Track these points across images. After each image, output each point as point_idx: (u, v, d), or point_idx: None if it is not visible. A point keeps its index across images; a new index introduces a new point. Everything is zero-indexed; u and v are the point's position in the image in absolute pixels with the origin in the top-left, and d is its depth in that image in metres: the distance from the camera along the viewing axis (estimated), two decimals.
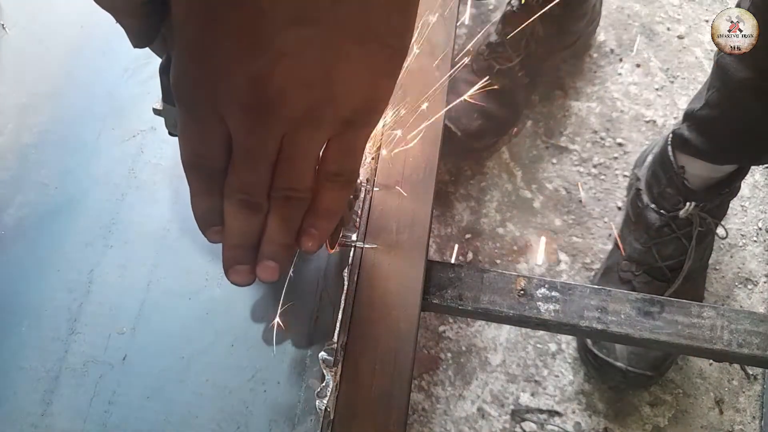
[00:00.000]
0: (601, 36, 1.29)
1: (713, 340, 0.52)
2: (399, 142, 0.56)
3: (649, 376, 0.95)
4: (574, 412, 1.00)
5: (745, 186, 1.15)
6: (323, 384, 0.47)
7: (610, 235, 1.11)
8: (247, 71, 0.30)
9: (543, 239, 1.10)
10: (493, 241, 1.11)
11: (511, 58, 1.10)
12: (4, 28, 0.65)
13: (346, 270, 0.51)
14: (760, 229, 1.13)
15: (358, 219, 0.53)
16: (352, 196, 0.51)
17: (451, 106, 0.60)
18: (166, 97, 0.42)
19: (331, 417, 0.46)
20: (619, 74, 1.26)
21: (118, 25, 0.36)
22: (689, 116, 0.91)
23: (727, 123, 0.85)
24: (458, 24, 0.64)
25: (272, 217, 0.37)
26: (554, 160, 1.18)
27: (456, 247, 1.09)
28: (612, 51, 1.28)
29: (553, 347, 1.04)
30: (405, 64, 0.33)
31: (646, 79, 1.26)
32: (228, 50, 0.30)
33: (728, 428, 1.00)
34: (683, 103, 1.21)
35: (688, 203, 0.94)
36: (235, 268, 0.38)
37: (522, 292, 0.53)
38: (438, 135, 0.58)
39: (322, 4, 0.29)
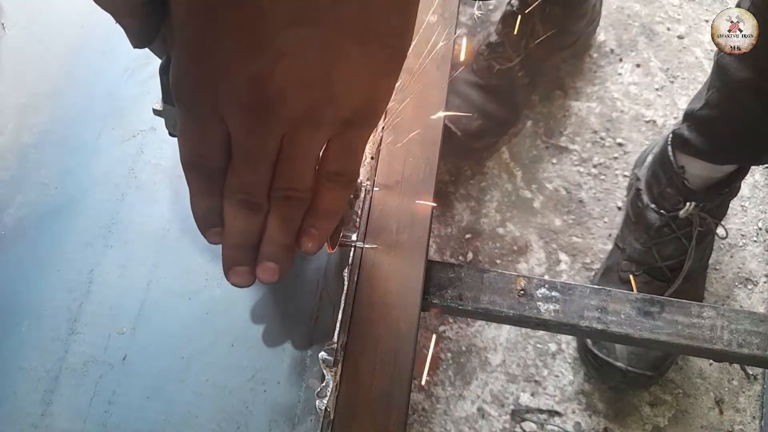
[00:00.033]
0: (601, 36, 1.29)
1: (713, 340, 0.52)
2: (399, 142, 0.56)
3: (649, 376, 0.95)
4: (574, 412, 1.00)
5: (745, 186, 1.15)
6: (323, 384, 0.47)
7: (610, 235, 1.11)
8: (247, 71, 0.30)
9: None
10: (493, 241, 1.11)
11: (511, 58, 1.10)
12: (4, 28, 0.65)
13: (346, 270, 0.51)
14: (760, 229, 1.13)
15: (358, 219, 0.53)
16: (352, 196, 0.51)
17: (451, 112, 0.60)
18: (166, 97, 0.42)
19: (331, 417, 0.46)
20: (619, 74, 1.26)
21: (118, 25, 0.36)
22: (689, 116, 0.91)
23: (727, 123, 0.85)
24: (458, 24, 0.64)
25: (272, 217, 0.37)
26: (554, 160, 1.18)
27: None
28: (612, 51, 1.28)
29: (553, 347, 1.04)
30: (405, 64, 0.33)
31: (646, 79, 1.26)
32: (228, 50, 0.30)
33: (728, 428, 1.00)
34: (683, 103, 1.21)
35: (688, 203, 0.94)
36: (235, 270, 0.38)
37: (522, 292, 0.53)
38: (438, 135, 0.58)
39: (322, 4, 0.29)
